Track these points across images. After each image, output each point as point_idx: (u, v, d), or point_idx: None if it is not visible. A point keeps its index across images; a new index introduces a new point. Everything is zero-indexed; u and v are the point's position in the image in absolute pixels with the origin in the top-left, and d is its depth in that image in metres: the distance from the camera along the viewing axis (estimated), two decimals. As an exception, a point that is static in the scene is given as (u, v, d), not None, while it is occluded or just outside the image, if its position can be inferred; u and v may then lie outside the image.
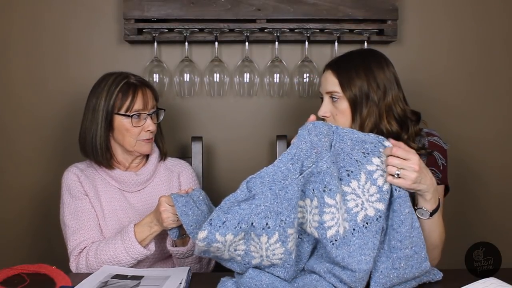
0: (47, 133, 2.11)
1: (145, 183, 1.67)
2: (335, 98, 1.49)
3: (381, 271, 1.21)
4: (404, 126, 1.49)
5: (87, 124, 1.61)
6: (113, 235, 1.56)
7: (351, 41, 2.04)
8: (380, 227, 1.21)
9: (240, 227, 1.17)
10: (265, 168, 1.21)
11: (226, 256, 1.22)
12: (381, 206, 1.21)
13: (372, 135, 1.24)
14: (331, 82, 1.50)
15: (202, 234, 1.16)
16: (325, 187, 1.18)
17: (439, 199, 1.32)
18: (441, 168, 1.53)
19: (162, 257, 1.63)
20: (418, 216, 1.29)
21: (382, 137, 1.24)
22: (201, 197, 1.40)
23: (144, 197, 1.66)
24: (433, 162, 1.53)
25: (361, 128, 1.46)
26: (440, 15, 2.12)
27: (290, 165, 1.20)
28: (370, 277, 1.21)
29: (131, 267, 1.48)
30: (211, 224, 1.16)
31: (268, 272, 1.25)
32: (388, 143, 1.22)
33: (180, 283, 1.29)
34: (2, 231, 2.13)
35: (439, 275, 1.30)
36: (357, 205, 1.21)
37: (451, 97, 2.14)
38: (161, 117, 1.69)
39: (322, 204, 1.18)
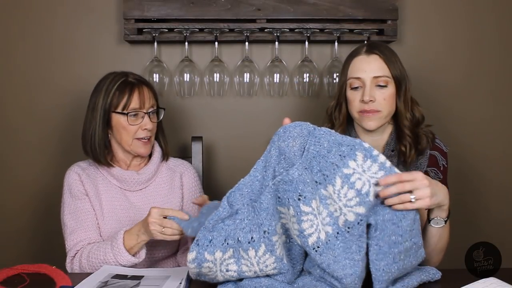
0: (47, 131, 2.11)
1: (146, 182, 1.66)
2: (383, 84, 1.49)
3: (383, 269, 1.18)
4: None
5: (87, 123, 1.63)
6: (111, 234, 1.56)
7: (351, 41, 2.04)
8: (363, 230, 1.19)
9: (228, 243, 1.17)
10: (242, 179, 1.21)
11: (220, 278, 1.22)
12: (362, 210, 1.17)
13: (348, 137, 1.21)
14: (380, 67, 1.50)
15: (191, 256, 1.17)
16: (299, 195, 1.16)
17: None
18: (441, 168, 1.53)
19: (164, 258, 1.64)
20: (432, 225, 1.30)
21: (359, 139, 1.21)
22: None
23: (146, 196, 1.66)
24: (434, 163, 1.53)
25: (405, 109, 1.51)
26: (440, 15, 2.12)
27: (265, 172, 1.19)
28: (372, 277, 1.20)
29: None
30: (198, 244, 1.17)
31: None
32: (367, 144, 1.19)
33: (180, 283, 1.29)
34: (3, 227, 2.13)
35: (438, 274, 1.30)
36: (336, 210, 1.19)
37: (451, 96, 2.14)
38: (161, 116, 1.69)
39: (299, 213, 1.16)
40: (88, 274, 1.37)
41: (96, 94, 1.62)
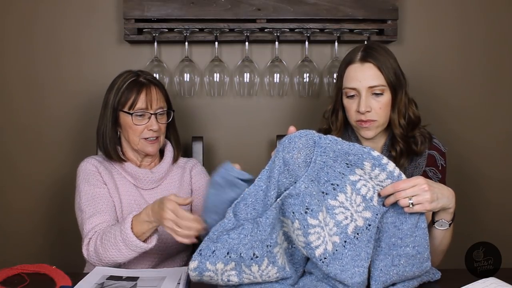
0: (51, 130, 2.11)
1: (159, 181, 1.68)
2: (378, 92, 1.47)
3: (381, 269, 1.20)
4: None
5: (100, 119, 1.66)
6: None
7: (351, 41, 2.03)
8: (372, 235, 1.19)
9: (230, 257, 1.17)
10: (246, 189, 1.20)
11: (221, 283, 1.22)
12: (368, 215, 1.19)
13: (357, 145, 1.19)
14: (374, 76, 1.47)
15: (193, 264, 1.18)
16: (306, 208, 1.15)
17: None
18: (440, 168, 1.53)
19: (170, 255, 1.64)
20: (436, 228, 1.30)
21: (369, 147, 1.19)
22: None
23: (158, 195, 1.65)
24: (432, 162, 1.53)
25: (399, 116, 1.49)
26: (440, 15, 2.12)
27: (269, 182, 1.19)
28: (369, 276, 1.21)
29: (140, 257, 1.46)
30: (200, 254, 1.18)
31: None
32: (377, 153, 1.18)
33: (178, 283, 1.29)
34: (15, 227, 2.13)
35: (437, 275, 1.30)
36: (346, 218, 1.19)
37: (451, 97, 2.14)
38: (170, 118, 1.68)
39: (305, 226, 1.15)
40: (86, 274, 1.37)
41: (109, 91, 1.65)
